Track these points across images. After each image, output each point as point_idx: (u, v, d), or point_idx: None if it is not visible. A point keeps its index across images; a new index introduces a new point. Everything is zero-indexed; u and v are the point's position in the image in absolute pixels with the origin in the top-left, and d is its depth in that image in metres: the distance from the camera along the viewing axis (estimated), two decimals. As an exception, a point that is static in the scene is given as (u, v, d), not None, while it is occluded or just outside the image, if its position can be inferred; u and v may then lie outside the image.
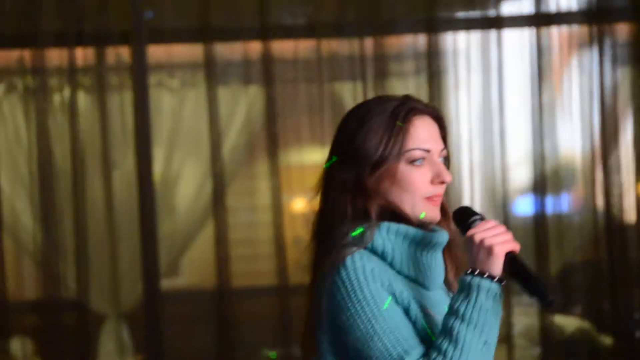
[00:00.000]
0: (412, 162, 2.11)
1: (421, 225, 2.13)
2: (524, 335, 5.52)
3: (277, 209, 5.47)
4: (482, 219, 2.07)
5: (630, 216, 5.53)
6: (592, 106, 5.52)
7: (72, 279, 5.42)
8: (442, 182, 2.12)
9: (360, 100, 5.28)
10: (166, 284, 5.57)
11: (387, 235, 2.11)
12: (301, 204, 5.77)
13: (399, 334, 1.99)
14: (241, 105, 5.57)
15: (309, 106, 5.54)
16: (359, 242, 2.08)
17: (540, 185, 5.47)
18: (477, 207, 5.54)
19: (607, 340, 5.57)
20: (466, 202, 5.38)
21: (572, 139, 5.57)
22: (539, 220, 5.43)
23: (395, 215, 2.13)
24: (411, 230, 2.11)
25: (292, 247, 5.53)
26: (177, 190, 5.61)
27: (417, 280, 2.12)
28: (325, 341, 2.09)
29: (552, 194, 5.53)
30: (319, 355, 2.12)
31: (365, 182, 2.11)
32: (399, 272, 2.10)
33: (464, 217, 2.08)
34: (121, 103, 5.49)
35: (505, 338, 5.30)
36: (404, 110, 2.13)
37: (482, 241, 2.00)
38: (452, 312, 2.00)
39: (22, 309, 5.48)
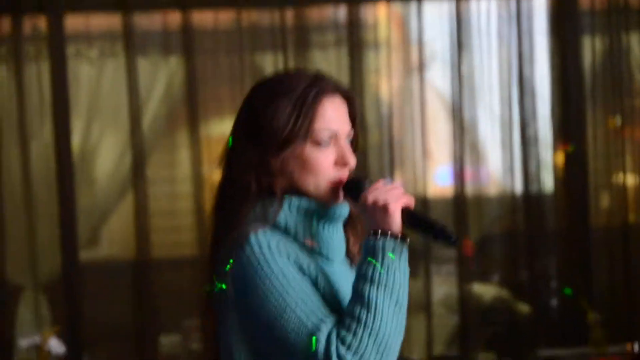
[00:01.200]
0: (317, 143, 2.10)
1: (324, 201, 2.14)
2: (442, 303, 5.59)
3: (198, 180, 5.48)
4: (371, 182, 2.08)
5: (547, 187, 5.64)
6: (510, 77, 5.57)
7: None
8: (345, 164, 2.11)
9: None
10: (85, 255, 5.58)
11: (289, 211, 2.10)
12: None
13: (312, 304, 1.99)
14: (161, 76, 5.57)
15: (229, 77, 5.52)
16: (263, 219, 2.07)
17: (460, 157, 5.53)
18: (397, 179, 5.62)
19: (524, 308, 5.65)
20: (386, 173, 5.45)
21: (491, 111, 5.63)
22: (458, 191, 5.47)
23: (299, 193, 2.12)
24: (312, 203, 2.11)
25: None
26: (96, 162, 5.60)
27: (320, 252, 2.12)
28: (232, 320, 2.07)
29: (471, 165, 5.59)
30: (223, 335, 2.10)
31: (271, 161, 2.09)
32: (303, 246, 2.10)
33: (353, 186, 2.09)
34: (38, 74, 5.46)
35: (425, 307, 5.40)
36: (314, 90, 2.11)
37: (375, 201, 2.01)
38: (361, 276, 1.99)
39: None
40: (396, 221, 2.01)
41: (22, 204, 5.41)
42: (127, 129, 5.46)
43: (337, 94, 2.14)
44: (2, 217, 5.37)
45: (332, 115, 2.12)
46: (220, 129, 5.63)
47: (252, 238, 2.01)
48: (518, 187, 5.60)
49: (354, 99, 2.18)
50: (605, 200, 5.68)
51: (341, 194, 2.12)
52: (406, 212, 2.04)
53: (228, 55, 5.54)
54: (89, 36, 5.56)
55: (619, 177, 5.64)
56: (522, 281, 5.65)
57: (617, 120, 5.60)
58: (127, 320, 5.50)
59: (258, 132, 2.10)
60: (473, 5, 5.57)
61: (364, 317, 1.95)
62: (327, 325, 1.96)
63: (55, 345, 4.72)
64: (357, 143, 2.20)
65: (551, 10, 5.63)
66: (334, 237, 2.15)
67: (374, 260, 1.99)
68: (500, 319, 5.69)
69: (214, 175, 5.61)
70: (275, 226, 2.07)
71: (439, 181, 5.59)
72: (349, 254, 2.21)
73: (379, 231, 2.01)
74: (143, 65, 5.48)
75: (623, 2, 5.53)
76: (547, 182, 5.65)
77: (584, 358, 4.91)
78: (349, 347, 1.94)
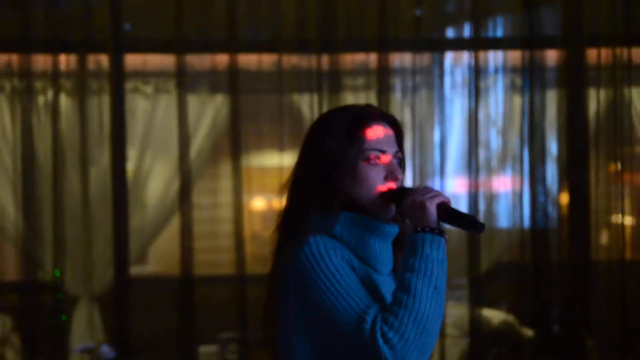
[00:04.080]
0: (368, 160, 2.24)
1: (376, 217, 2.25)
2: (455, 326, 5.64)
3: (238, 206, 5.52)
4: (411, 189, 2.22)
5: (552, 223, 5.67)
6: (522, 122, 5.63)
7: (50, 264, 5.45)
8: (395, 179, 2.24)
9: (316, 110, 5.44)
10: (135, 270, 5.65)
11: (344, 223, 2.23)
12: (260, 203, 5.81)
13: (361, 294, 2.11)
14: (208, 111, 5.62)
15: (269, 115, 5.62)
16: (321, 228, 2.21)
17: (474, 192, 5.58)
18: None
19: (529, 332, 5.68)
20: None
21: (504, 152, 5.69)
22: None
23: (355, 207, 2.25)
24: (366, 220, 2.24)
25: (250, 241, 5.58)
26: (147, 187, 5.62)
27: (369, 263, 2.24)
28: (293, 313, 2.18)
29: (484, 201, 5.65)
30: (282, 329, 2.21)
31: (328, 179, 2.23)
32: (354, 254, 2.22)
33: (399, 194, 2.24)
34: (99, 106, 5.52)
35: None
36: (364, 116, 2.26)
37: (413, 201, 2.17)
38: (403, 266, 2.13)
39: (3, 290, 5.56)
40: (431, 217, 2.15)
41: (81, 223, 5.46)
42: (176, 158, 5.52)
43: (383, 121, 2.29)
44: (63, 234, 5.43)
45: (380, 138, 2.25)
46: (259, 161, 5.67)
47: (311, 240, 2.15)
48: (526, 222, 5.63)
49: (399, 125, 2.33)
50: (605, 238, 5.70)
51: (391, 204, 2.24)
52: (442, 208, 2.16)
53: (269, 95, 5.62)
54: (145, 74, 5.62)
55: (618, 217, 5.66)
56: (527, 308, 5.66)
57: (618, 166, 5.64)
58: (170, 330, 5.50)
59: (317, 154, 2.26)
60: (490, 56, 5.66)
61: (405, 300, 2.07)
62: (373, 310, 2.08)
63: (106, 351, 4.76)
64: (404, 164, 2.33)
65: (560, 63, 5.67)
66: (383, 252, 2.26)
67: (414, 252, 2.12)
68: (506, 341, 5.69)
69: (253, 202, 5.68)
70: (331, 235, 2.20)
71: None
72: (394, 270, 2.31)
73: (419, 228, 2.15)
74: (192, 101, 5.55)
75: (627, 59, 5.62)
76: (553, 219, 5.66)
77: (582, 380, 4.79)
78: (390, 327, 2.05)
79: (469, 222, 2.16)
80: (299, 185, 2.28)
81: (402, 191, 2.22)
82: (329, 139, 2.25)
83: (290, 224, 2.26)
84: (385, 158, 2.26)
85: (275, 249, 2.28)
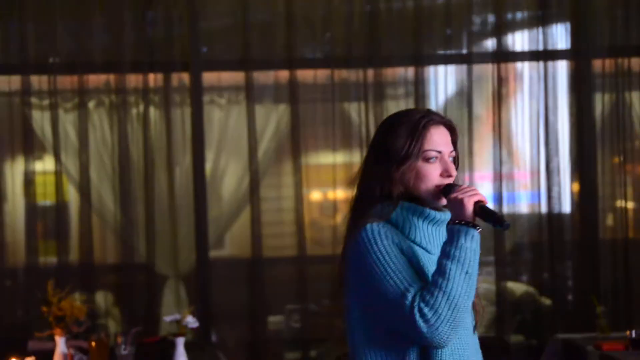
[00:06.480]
0: (427, 159, 2.32)
1: (430, 206, 2.34)
2: (483, 297, 4.96)
3: (298, 198, 5.83)
4: (457, 186, 2.32)
5: (565, 208, 5.96)
6: (539, 124, 5.93)
7: (143, 248, 5.78)
8: (449, 176, 2.33)
9: (363, 117, 5.74)
10: (213, 253, 5.90)
11: (401, 211, 2.33)
12: (317, 195, 6.00)
13: (405, 274, 2.22)
14: (272, 119, 5.89)
15: (324, 120, 5.88)
16: (380, 215, 2.31)
17: (499, 183, 5.86)
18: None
19: (547, 301, 5.97)
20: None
21: (524, 148, 5.96)
22: (498, 209, 5.69)
23: (414, 198, 2.34)
24: (420, 208, 2.33)
25: (309, 228, 5.86)
26: (222, 183, 5.88)
27: (421, 245, 2.34)
28: (351, 287, 2.31)
29: (507, 190, 5.90)
30: (346, 299, 2.33)
31: (392, 174, 2.31)
32: (407, 237, 2.32)
33: (446, 190, 2.35)
34: (182, 116, 5.82)
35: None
36: (424, 120, 2.34)
37: (455, 198, 2.27)
38: (442, 252, 2.23)
39: (105, 270, 5.83)
40: (467, 212, 2.23)
41: (168, 214, 5.77)
42: (246, 159, 5.80)
43: (441, 124, 2.37)
44: (153, 224, 5.76)
45: (438, 139, 2.33)
46: (316, 159, 5.92)
47: (367, 226, 2.27)
48: (543, 207, 5.92)
49: (455, 128, 2.40)
50: (610, 220, 5.97)
51: (441, 196, 2.32)
52: (477, 206, 2.25)
53: (323, 104, 5.88)
54: (219, 89, 5.89)
55: (621, 202, 5.93)
56: (545, 280, 5.93)
57: (620, 158, 5.94)
58: (244, 303, 5.79)
59: (383, 152, 2.34)
60: (510, 67, 5.97)
61: (440, 282, 2.18)
62: (414, 288, 2.19)
63: (191, 321, 4.69)
64: (458, 161, 2.42)
65: (571, 72, 6.00)
66: (434, 235, 2.35)
67: (451, 241, 2.22)
68: (528, 309, 5.95)
69: (311, 195, 5.95)
70: (388, 221, 2.31)
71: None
72: None
73: (457, 220, 2.25)
74: (259, 110, 5.83)
75: (627, 67, 5.94)
76: (566, 204, 5.94)
77: (593, 341, 4.87)
78: (427, 304, 2.17)
79: (497, 220, 2.25)
80: (366, 179, 2.37)
81: (450, 187, 2.31)
82: (393, 139, 2.33)
83: (357, 211, 2.37)
84: (442, 157, 2.34)
85: (346, 231, 2.38)
